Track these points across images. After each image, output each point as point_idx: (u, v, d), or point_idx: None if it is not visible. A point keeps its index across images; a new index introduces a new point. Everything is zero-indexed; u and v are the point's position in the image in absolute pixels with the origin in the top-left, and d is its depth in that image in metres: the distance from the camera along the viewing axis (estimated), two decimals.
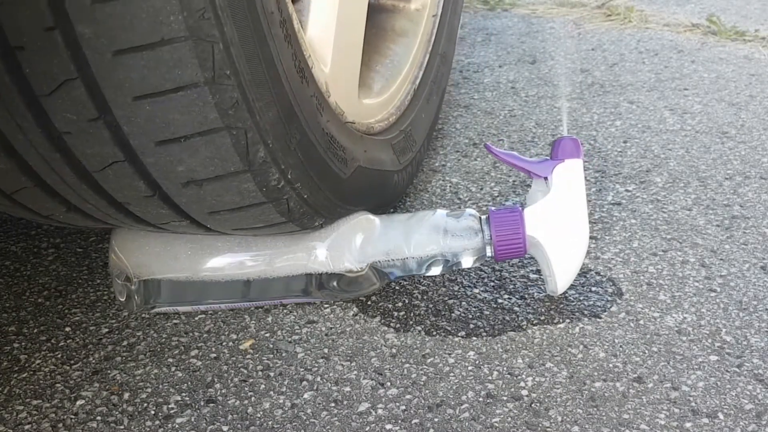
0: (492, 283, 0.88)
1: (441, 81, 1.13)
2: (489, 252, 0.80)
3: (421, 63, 1.07)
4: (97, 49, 0.54)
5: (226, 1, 0.56)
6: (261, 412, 0.70)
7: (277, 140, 0.65)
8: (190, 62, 0.55)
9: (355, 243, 0.80)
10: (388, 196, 0.96)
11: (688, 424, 0.68)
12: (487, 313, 0.83)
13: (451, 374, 0.74)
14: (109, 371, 0.76)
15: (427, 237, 0.80)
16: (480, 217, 0.81)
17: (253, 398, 0.72)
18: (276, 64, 0.63)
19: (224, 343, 0.79)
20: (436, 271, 0.81)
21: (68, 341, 0.80)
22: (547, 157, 0.82)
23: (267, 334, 0.80)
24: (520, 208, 0.80)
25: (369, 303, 0.85)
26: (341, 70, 0.81)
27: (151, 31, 0.53)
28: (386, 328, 0.81)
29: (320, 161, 0.72)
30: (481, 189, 1.08)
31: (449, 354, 0.77)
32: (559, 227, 0.79)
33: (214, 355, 0.78)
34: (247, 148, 0.62)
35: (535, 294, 0.86)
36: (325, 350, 0.78)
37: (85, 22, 0.52)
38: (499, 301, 0.85)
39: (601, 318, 0.81)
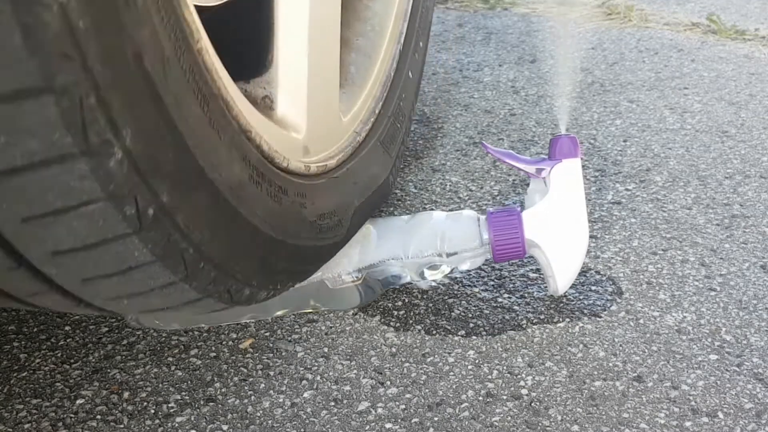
0: (492, 282, 0.88)
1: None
2: (488, 254, 0.80)
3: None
4: None
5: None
6: (261, 411, 0.70)
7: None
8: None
9: (352, 255, 0.80)
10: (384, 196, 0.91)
11: (687, 423, 0.68)
12: (487, 312, 0.83)
13: (451, 373, 0.75)
14: (108, 370, 0.76)
15: (424, 243, 0.80)
16: (479, 218, 0.81)
17: (252, 397, 0.72)
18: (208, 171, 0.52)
19: (224, 342, 0.79)
20: (437, 276, 0.82)
21: (68, 340, 0.80)
22: (545, 157, 0.81)
23: (267, 333, 0.80)
24: (519, 209, 0.80)
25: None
26: (318, 126, 0.74)
27: None
28: (386, 327, 0.81)
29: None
30: (481, 188, 1.08)
31: (449, 353, 0.77)
32: (558, 229, 0.79)
33: (214, 354, 0.78)
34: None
35: (535, 293, 0.86)
36: (325, 349, 0.78)
37: None
38: (499, 300, 0.85)
39: (600, 317, 0.81)
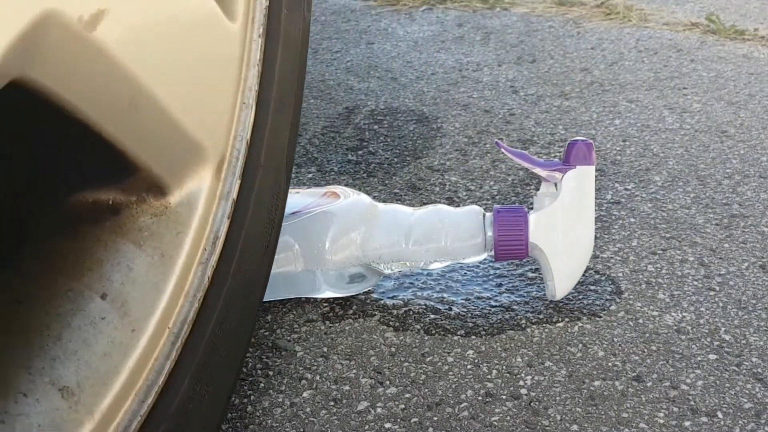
0: (491, 282, 0.88)
1: None
2: (490, 251, 0.80)
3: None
4: None
5: None
6: (260, 411, 0.70)
7: None
8: None
9: (355, 238, 0.80)
10: None
11: (687, 423, 0.68)
12: (486, 311, 0.83)
13: (450, 373, 0.75)
14: None
15: (426, 234, 0.80)
16: (484, 214, 0.81)
17: (252, 397, 0.72)
18: None
19: None
20: (436, 266, 0.82)
21: None
22: (558, 160, 0.80)
23: (266, 333, 0.80)
24: (526, 210, 0.80)
25: (368, 301, 0.85)
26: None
27: None
28: (385, 327, 0.81)
29: None
30: (480, 187, 1.08)
31: (448, 353, 0.77)
32: (563, 237, 0.79)
33: None
34: None
35: (534, 292, 0.86)
36: (325, 349, 0.78)
37: None
38: (499, 299, 0.85)
39: (600, 317, 0.82)
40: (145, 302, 0.50)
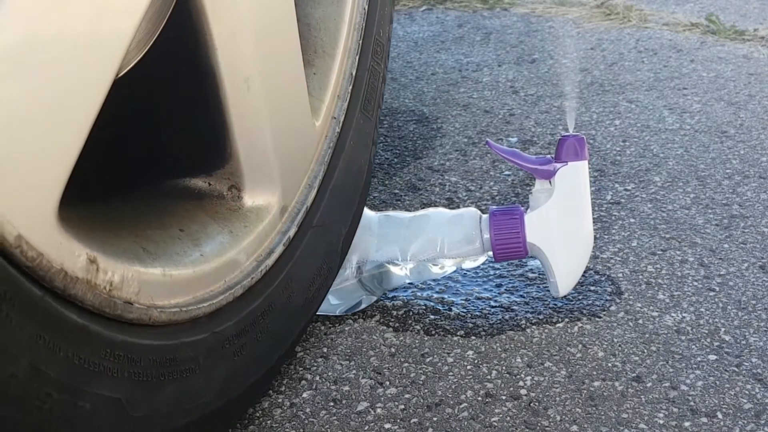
0: (491, 282, 0.88)
1: None
2: (489, 253, 0.80)
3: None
4: None
5: None
6: (260, 411, 0.70)
7: None
8: None
9: (351, 258, 0.80)
10: None
11: (686, 424, 0.68)
12: (486, 311, 0.83)
13: (450, 373, 0.75)
14: None
15: (424, 246, 0.80)
16: (480, 217, 0.81)
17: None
18: None
19: None
20: (438, 271, 0.82)
21: None
22: (550, 156, 0.80)
23: None
24: (522, 210, 0.79)
25: None
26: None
27: None
28: (385, 327, 0.81)
29: None
30: (480, 188, 1.08)
31: (448, 353, 0.77)
32: (561, 234, 0.78)
33: None
34: None
35: (534, 293, 0.86)
36: (324, 349, 0.78)
37: None
38: (498, 299, 0.85)
39: (600, 317, 0.82)
40: (213, 249, 0.60)
